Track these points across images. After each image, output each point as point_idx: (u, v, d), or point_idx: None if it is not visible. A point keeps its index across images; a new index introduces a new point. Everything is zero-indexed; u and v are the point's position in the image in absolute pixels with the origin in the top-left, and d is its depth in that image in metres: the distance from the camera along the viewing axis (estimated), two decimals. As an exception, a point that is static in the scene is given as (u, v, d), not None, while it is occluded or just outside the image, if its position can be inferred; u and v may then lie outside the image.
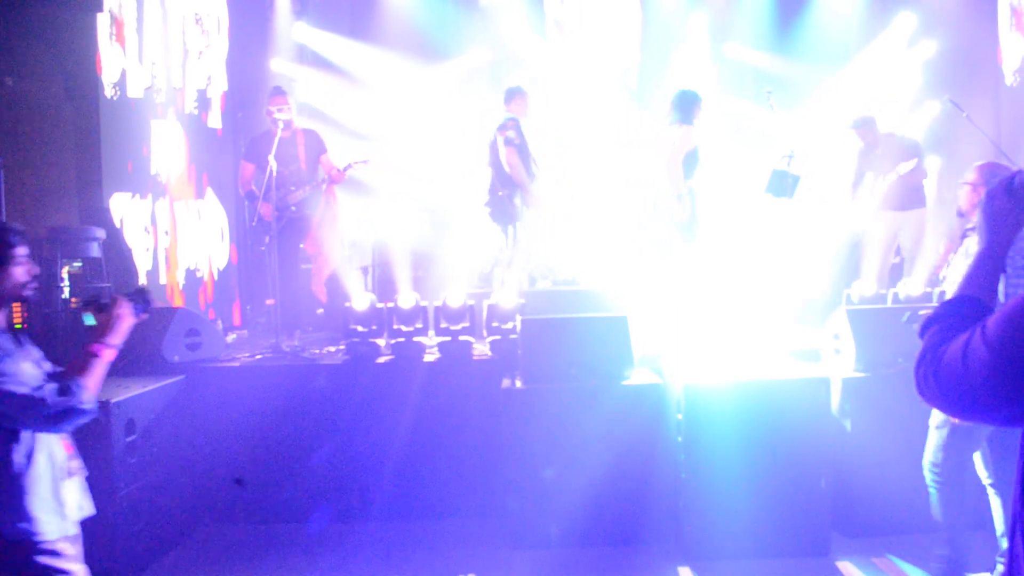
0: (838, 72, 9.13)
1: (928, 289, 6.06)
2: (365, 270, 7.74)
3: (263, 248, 6.55)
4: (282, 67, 8.99)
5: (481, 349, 5.67)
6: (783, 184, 6.36)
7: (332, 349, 6.03)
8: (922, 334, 1.63)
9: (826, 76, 9.10)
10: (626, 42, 9.44)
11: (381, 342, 5.66)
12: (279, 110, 6.30)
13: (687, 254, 6.35)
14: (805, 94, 9.09)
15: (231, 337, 7.08)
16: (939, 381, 1.49)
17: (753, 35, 9.46)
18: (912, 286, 5.99)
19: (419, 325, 5.68)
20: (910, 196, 7.24)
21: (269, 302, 7.15)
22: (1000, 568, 3.96)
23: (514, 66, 9.15)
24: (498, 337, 5.59)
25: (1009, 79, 8.56)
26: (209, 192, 8.24)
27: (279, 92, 6.47)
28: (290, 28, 9.16)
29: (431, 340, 5.72)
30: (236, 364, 5.61)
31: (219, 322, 6.38)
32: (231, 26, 8.70)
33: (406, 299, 5.72)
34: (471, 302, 5.80)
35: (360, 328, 5.65)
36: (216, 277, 8.14)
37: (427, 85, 8.88)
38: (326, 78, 9.21)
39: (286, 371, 5.54)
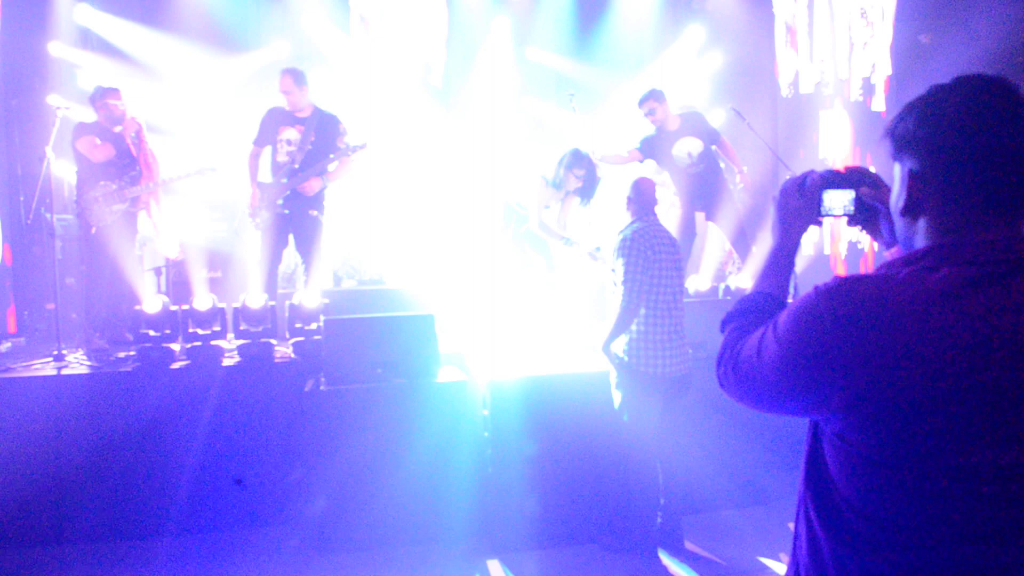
0: (634, 78, 9.57)
1: (714, 284, 6.49)
2: (158, 271, 7.30)
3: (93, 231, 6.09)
4: (62, 51, 8.31)
5: (283, 351, 5.50)
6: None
7: (121, 355, 5.64)
8: (722, 329, 1.64)
9: (622, 81, 9.51)
10: (431, 41, 9.45)
11: (175, 347, 5.37)
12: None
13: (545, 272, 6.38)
14: (602, 98, 9.46)
15: (6, 346, 6.49)
16: (738, 376, 1.51)
17: (554, 39, 9.73)
18: (699, 281, 6.39)
19: (217, 328, 5.44)
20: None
21: (49, 306, 6.61)
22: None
23: (315, 60, 8.94)
24: (301, 338, 5.46)
25: (784, 91, 9.31)
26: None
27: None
28: (71, 9, 8.48)
29: (230, 343, 5.49)
30: (11, 375, 5.14)
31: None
32: (3, 5, 7.94)
33: (202, 301, 5.46)
34: (272, 303, 5.62)
35: (152, 332, 5.33)
36: (-14, 280, 7.42)
37: (223, 77, 8.50)
38: (113, 66, 8.60)
39: (69, 381, 5.12)
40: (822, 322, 1.32)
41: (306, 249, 6.39)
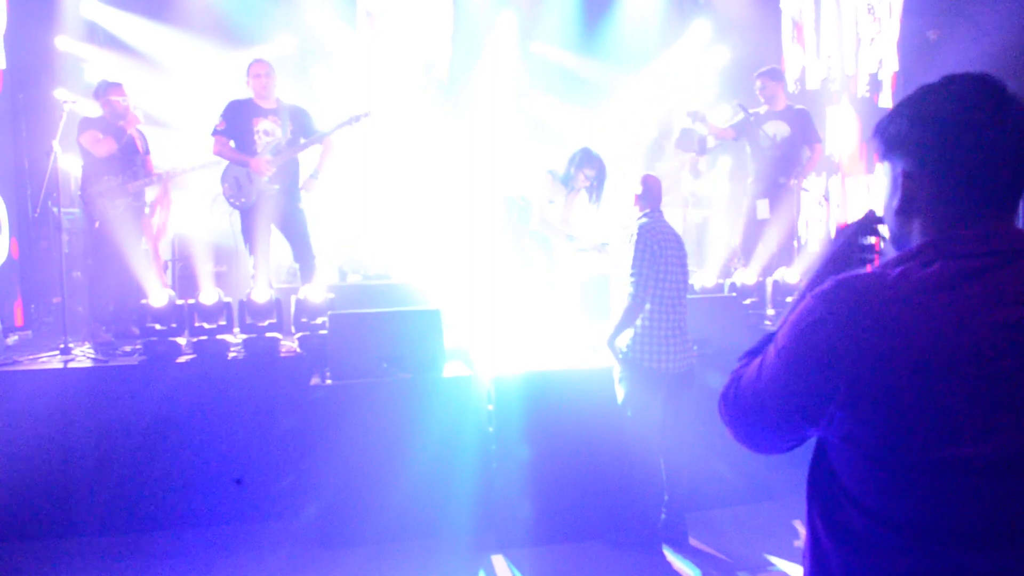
0: (639, 73, 9.55)
1: (720, 280, 6.48)
2: (164, 265, 7.31)
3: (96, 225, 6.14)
4: (69, 45, 8.33)
5: (289, 345, 5.51)
6: (689, 140, 6.70)
7: (128, 349, 5.65)
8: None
9: (627, 77, 9.50)
10: (437, 36, 9.45)
11: (181, 341, 5.38)
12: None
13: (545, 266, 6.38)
14: (607, 93, 9.46)
15: (13, 339, 6.51)
16: (740, 406, 1.49)
17: (559, 35, 9.71)
18: (704, 278, 6.38)
19: (223, 322, 5.45)
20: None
21: (56, 300, 6.63)
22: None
23: (321, 55, 8.95)
24: (307, 333, 5.46)
25: (791, 87, 9.28)
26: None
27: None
28: (78, 3, 8.49)
29: (236, 337, 5.50)
30: (18, 368, 5.16)
31: (-3, 323, 5.85)
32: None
33: (208, 295, 5.47)
34: (278, 297, 5.63)
35: (158, 326, 5.35)
36: (-7, 273, 7.44)
37: (229, 72, 8.50)
38: (120, 60, 8.61)
39: (75, 375, 5.13)
40: (824, 324, 1.33)
41: (300, 241, 6.34)
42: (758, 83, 7.30)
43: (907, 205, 1.40)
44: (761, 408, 1.45)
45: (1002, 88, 1.33)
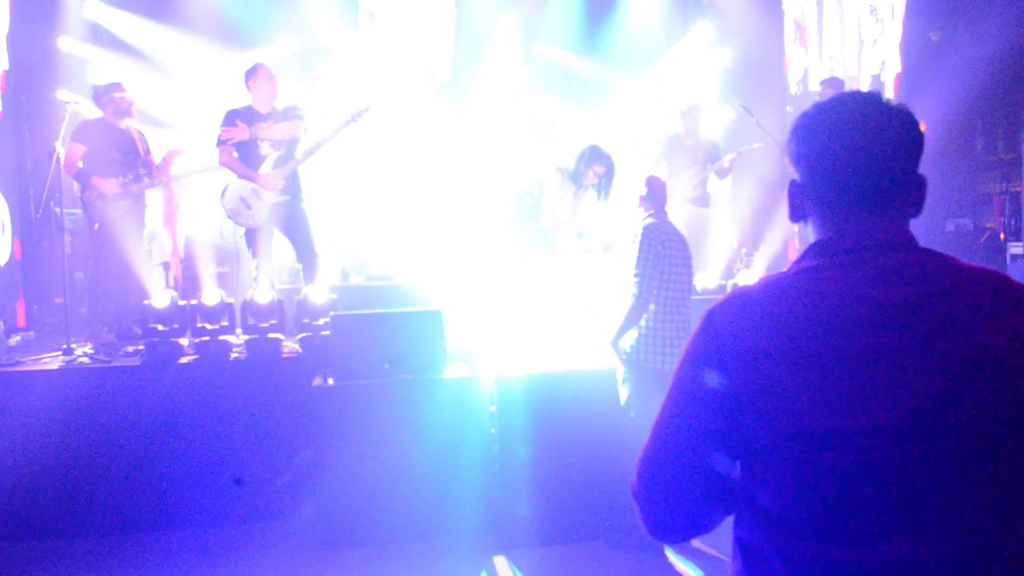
0: (641, 74, 9.55)
1: (722, 281, 6.48)
2: (166, 266, 7.32)
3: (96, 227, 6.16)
4: (71, 46, 8.34)
5: (291, 346, 5.52)
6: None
7: (130, 350, 5.66)
8: None
9: (629, 78, 9.50)
10: (439, 37, 9.45)
11: (184, 341, 5.39)
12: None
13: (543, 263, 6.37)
14: (608, 94, 9.46)
15: (15, 339, 6.51)
16: (641, 474, 1.46)
17: (562, 36, 9.72)
18: (707, 279, 6.38)
19: (225, 323, 5.46)
20: (705, 194, 7.71)
21: (58, 300, 6.64)
22: None
23: (323, 56, 8.96)
24: (309, 334, 5.46)
25: (793, 88, 9.29)
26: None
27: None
28: (81, 4, 8.51)
29: (238, 338, 5.51)
30: (20, 369, 5.17)
31: (0, 323, 5.84)
32: (13, 0, 7.96)
33: (210, 296, 5.48)
34: (280, 297, 5.63)
35: (160, 327, 5.36)
36: (-4, 274, 7.45)
37: (231, 73, 8.51)
38: (123, 61, 8.62)
39: (77, 375, 5.14)
40: (701, 338, 1.43)
41: (303, 241, 6.32)
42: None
43: (794, 212, 1.53)
44: (666, 455, 1.44)
45: (871, 101, 1.42)
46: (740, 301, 1.42)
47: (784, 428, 1.31)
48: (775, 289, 1.41)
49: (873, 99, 1.42)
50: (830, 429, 1.28)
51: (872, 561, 1.27)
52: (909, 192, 1.44)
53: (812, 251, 1.44)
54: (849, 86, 8.64)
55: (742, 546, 1.41)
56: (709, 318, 1.43)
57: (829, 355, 1.31)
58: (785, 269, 1.47)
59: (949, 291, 1.33)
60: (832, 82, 7.32)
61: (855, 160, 1.40)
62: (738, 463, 1.40)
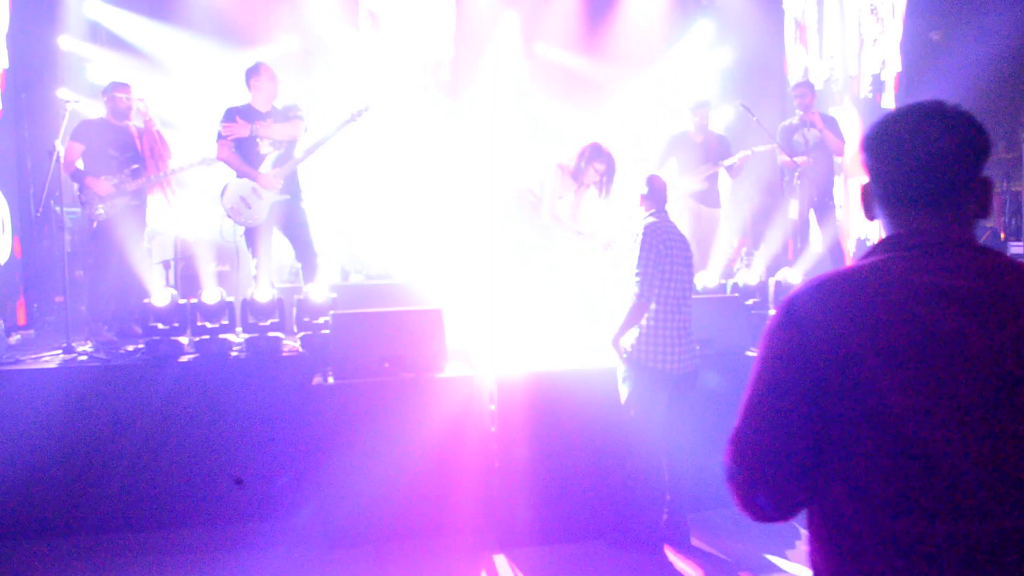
0: (643, 74, 9.55)
1: (722, 280, 6.48)
2: (167, 264, 7.32)
3: (94, 225, 6.17)
4: (71, 45, 8.33)
5: (291, 345, 5.52)
6: None
7: (130, 348, 5.66)
8: None
9: (630, 78, 9.50)
10: (440, 36, 9.45)
11: (184, 340, 5.39)
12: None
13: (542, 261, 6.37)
14: (609, 94, 9.45)
15: (15, 338, 6.52)
16: (735, 452, 1.53)
17: (563, 35, 9.71)
18: (707, 278, 6.38)
19: (225, 322, 5.46)
20: (715, 193, 7.71)
21: (58, 299, 6.64)
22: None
23: (323, 55, 8.95)
24: (309, 332, 5.46)
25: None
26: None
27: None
28: (81, 3, 8.51)
29: (238, 337, 5.51)
30: (20, 367, 5.17)
31: (0, 322, 5.84)
32: (12, -1, 7.96)
33: (210, 294, 5.48)
34: (280, 296, 5.63)
35: (161, 325, 5.36)
36: (-4, 272, 7.45)
37: (231, 72, 8.51)
38: (123, 60, 8.62)
39: (77, 374, 5.14)
40: (783, 327, 1.50)
41: (302, 240, 6.30)
42: (797, 92, 7.63)
43: (866, 210, 1.67)
44: (755, 440, 1.51)
45: (932, 111, 1.53)
46: (820, 291, 1.50)
47: (875, 410, 1.40)
48: (851, 278, 1.50)
49: (931, 109, 1.54)
50: (920, 408, 1.37)
51: (966, 534, 1.34)
52: (968, 193, 1.54)
53: (882, 245, 1.56)
54: (849, 86, 8.64)
55: (830, 524, 1.48)
56: (789, 308, 1.51)
57: (909, 338, 1.40)
58: (855, 262, 1.57)
59: (1012, 282, 1.44)
60: (804, 84, 7.68)
61: (908, 167, 1.53)
62: (830, 446, 1.46)
